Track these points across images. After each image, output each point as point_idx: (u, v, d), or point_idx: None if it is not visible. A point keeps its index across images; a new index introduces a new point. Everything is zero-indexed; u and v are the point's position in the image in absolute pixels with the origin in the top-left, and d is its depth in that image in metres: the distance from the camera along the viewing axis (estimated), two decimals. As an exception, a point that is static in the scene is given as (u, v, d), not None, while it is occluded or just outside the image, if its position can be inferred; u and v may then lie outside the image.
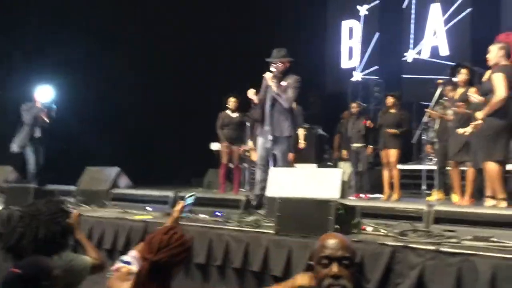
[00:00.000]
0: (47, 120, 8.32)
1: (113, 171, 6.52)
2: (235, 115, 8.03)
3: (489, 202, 5.09)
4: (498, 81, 4.87)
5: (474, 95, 5.36)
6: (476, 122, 5.08)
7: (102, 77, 10.60)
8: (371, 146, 8.37)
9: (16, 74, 9.68)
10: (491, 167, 4.95)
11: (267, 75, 5.58)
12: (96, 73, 10.49)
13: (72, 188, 6.82)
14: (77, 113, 9.78)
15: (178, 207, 3.61)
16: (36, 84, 8.52)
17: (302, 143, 8.23)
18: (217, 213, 4.94)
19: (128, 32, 11.24)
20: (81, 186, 6.68)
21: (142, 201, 5.86)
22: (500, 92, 4.82)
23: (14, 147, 8.26)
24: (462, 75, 6.01)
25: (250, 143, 8.02)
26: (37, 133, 8.29)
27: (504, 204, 4.94)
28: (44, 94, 8.36)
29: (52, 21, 10.15)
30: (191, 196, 3.73)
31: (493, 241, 3.37)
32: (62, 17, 10.29)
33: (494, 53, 5.04)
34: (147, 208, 5.61)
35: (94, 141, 9.72)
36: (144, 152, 11.23)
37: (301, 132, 8.15)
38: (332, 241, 1.99)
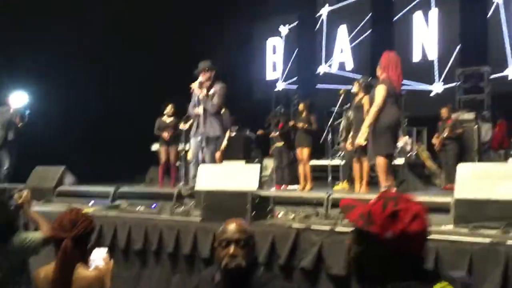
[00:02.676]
0: (20, 124, 7.96)
1: (59, 169, 6.31)
2: (170, 119, 8.00)
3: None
4: (378, 92, 5.10)
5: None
6: (363, 133, 5.30)
7: (61, 82, 10.30)
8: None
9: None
10: (378, 161, 5.21)
11: (194, 85, 5.63)
12: (56, 79, 10.20)
13: (21, 186, 6.52)
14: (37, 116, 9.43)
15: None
16: (10, 90, 8.11)
17: (224, 144, 8.20)
18: (153, 206, 4.92)
19: (86, 47, 10.98)
20: (30, 184, 6.40)
21: (86, 196, 5.71)
22: (377, 102, 5.05)
23: None
24: (355, 87, 6.30)
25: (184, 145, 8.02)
26: (11, 136, 7.89)
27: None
28: (18, 99, 7.98)
29: (23, 33, 9.69)
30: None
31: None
32: (33, 29, 9.81)
33: (377, 70, 5.31)
34: (90, 202, 5.48)
35: (47, 141, 9.37)
36: (94, 152, 10.93)
37: (227, 134, 8.20)
38: (230, 226, 2.07)
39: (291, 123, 8.02)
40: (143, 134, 9.27)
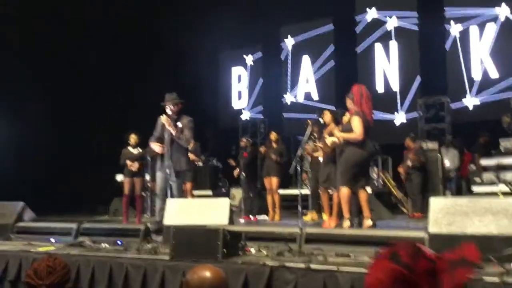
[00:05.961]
0: None
1: (18, 205, 5.96)
2: (136, 150, 7.78)
3: (345, 222, 5.30)
4: (357, 123, 5.14)
5: (328, 138, 5.65)
6: (333, 139, 5.33)
7: (11, 113, 9.88)
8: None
9: None
10: (343, 191, 5.19)
11: (163, 119, 5.49)
12: (8, 110, 9.78)
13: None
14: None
15: None
16: None
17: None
18: (118, 242, 4.69)
19: (37, 75, 10.61)
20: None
21: (47, 233, 5.39)
22: (359, 133, 5.07)
23: None
24: (325, 117, 6.32)
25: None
26: None
27: (347, 223, 5.20)
28: None
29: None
30: None
31: (350, 257, 3.53)
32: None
33: (348, 102, 5.35)
34: (51, 239, 5.18)
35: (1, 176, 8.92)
36: (54, 184, 10.52)
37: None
38: (205, 276, 1.86)
39: (262, 149, 7.87)
40: (106, 164, 9.01)
